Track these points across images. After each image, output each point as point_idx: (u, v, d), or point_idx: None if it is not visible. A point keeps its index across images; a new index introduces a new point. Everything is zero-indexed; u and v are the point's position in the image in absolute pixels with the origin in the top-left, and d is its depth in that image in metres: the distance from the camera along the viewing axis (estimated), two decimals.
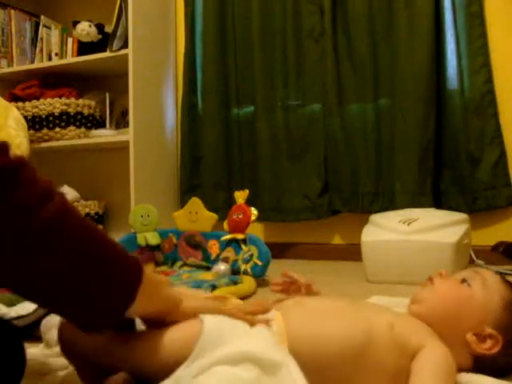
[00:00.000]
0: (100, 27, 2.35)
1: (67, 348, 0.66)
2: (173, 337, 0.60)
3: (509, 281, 0.75)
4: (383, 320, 0.67)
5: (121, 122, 2.44)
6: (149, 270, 0.59)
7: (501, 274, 0.78)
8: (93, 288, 0.53)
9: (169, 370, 0.56)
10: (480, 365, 0.69)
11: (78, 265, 0.52)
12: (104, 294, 0.54)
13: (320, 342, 0.63)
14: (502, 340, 0.67)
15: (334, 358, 0.62)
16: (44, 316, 0.90)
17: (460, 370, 0.68)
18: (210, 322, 0.60)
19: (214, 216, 1.73)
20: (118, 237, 1.83)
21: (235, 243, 1.62)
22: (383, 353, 0.63)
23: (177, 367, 0.56)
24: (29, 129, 2.23)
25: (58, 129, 2.29)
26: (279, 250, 2.04)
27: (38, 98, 2.34)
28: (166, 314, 0.62)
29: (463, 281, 0.72)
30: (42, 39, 2.49)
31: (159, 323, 0.62)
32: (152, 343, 0.60)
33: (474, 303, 0.69)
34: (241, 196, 1.66)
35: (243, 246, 1.59)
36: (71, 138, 2.31)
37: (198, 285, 1.35)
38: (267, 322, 0.65)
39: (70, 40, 2.44)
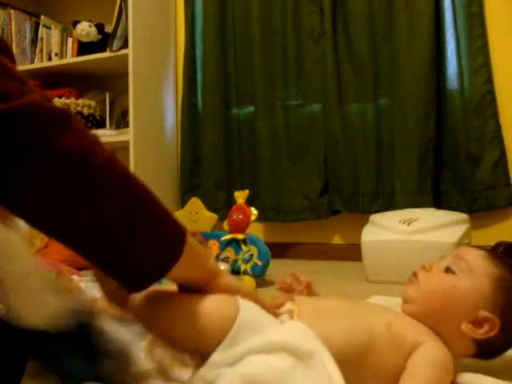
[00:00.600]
0: (100, 27, 2.35)
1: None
2: (209, 312, 0.59)
3: (496, 254, 0.72)
4: (381, 320, 0.67)
5: (121, 122, 2.44)
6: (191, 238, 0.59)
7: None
8: (139, 239, 0.52)
9: (201, 343, 0.57)
10: (483, 348, 0.68)
11: (127, 213, 0.51)
12: (149, 247, 0.53)
13: (323, 341, 0.63)
14: (500, 320, 0.65)
15: (336, 358, 0.62)
16: None
17: (464, 356, 0.68)
18: (247, 307, 0.60)
19: (214, 216, 1.73)
20: None
21: (235, 243, 1.62)
22: (383, 353, 0.63)
23: (208, 343, 0.56)
24: None
25: None
26: (279, 250, 2.04)
27: None
28: (205, 284, 0.61)
29: (447, 269, 0.70)
30: (42, 39, 2.49)
31: (197, 292, 0.61)
32: (186, 314, 0.59)
33: (461, 292, 0.67)
34: (241, 196, 1.66)
35: (243, 246, 1.59)
36: None
37: None
38: (291, 314, 0.65)
39: (70, 40, 2.44)
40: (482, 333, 0.66)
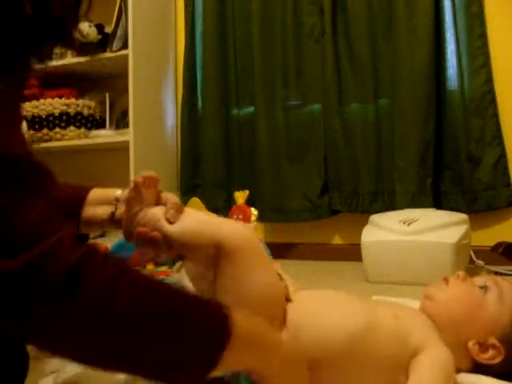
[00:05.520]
0: (100, 27, 2.35)
1: None
2: None
3: None
4: (388, 310, 0.67)
5: (121, 122, 2.44)
6: (246, 321, 0.54)
7: (501, 274, 0.76)
8: (178, 348, 0.49)
9: None
10: (479, 369, 0.68)
11: (164, 335, 0.48)
12: (179, 363, 0.50)
13: (323, 329, 0.63)
14: (505, 353, 0.66)
15: (335, 345, 0.62)
16: None
17: (458, 370, 0.68)
18: None
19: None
20: (117, 237, 1.83)
21: None
22: (384, 343, 0.63)
23: None
24: (29, 129, 2.23)
25: (58, 129, 2.30)
26: (279, 250, 2.04)
27: (37, 98, 2.33)
28: (263, 369, 0.57)
29: (479, 288, 0.71)
30: None
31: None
32: None
33: (483, 312, 0.68)
34: (241, 196, 1.66)
35: None
36: (71, 138, 2.31)
37: None
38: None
39: None
40: (485, 357, 0.66)
